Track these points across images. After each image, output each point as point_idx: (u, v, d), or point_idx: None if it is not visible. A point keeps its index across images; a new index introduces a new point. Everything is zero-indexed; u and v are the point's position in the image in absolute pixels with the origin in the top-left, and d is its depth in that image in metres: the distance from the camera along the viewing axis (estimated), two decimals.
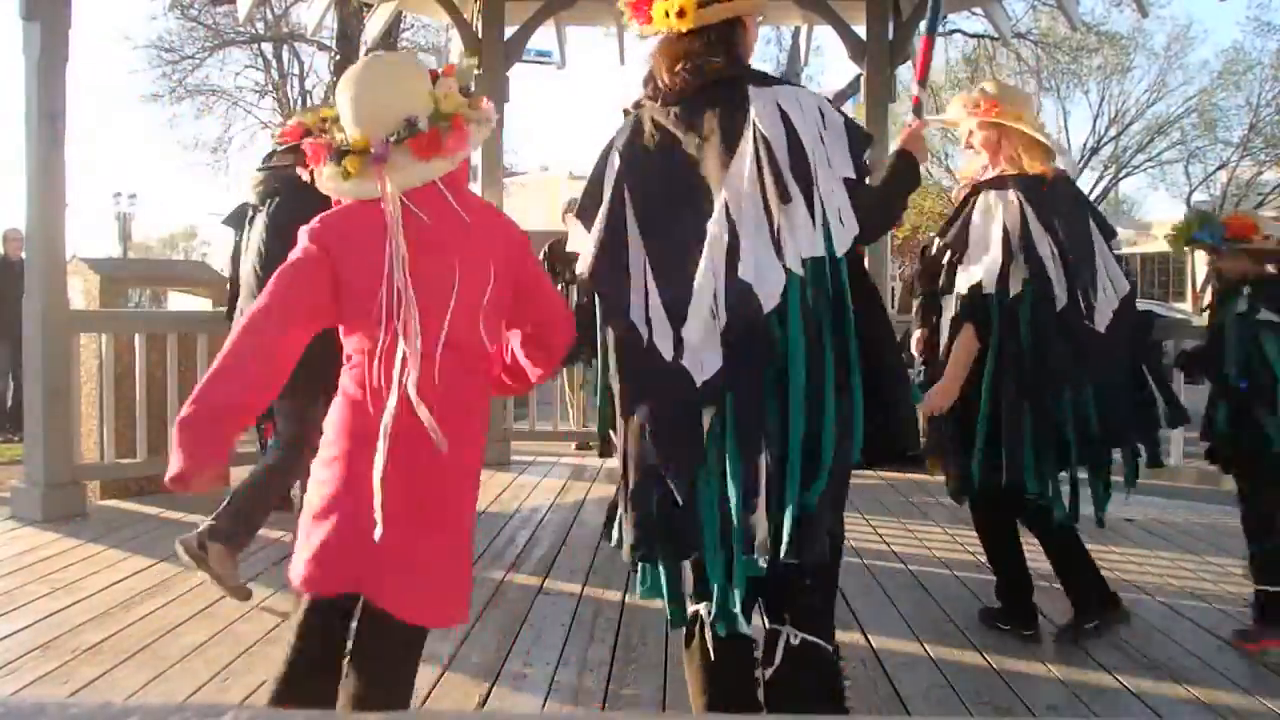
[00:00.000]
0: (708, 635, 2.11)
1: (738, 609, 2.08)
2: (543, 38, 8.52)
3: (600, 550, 4.57)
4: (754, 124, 2.03)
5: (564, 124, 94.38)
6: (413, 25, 20.77)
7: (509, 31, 7.27)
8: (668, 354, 2.03)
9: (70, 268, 5.70)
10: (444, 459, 1.98)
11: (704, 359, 2.00)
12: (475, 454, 2.20)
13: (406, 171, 2.02)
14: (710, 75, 2.09)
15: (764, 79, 2.16)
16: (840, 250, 2.04)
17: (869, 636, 3.46)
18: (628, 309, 2.09)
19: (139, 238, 47.60)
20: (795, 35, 3.77)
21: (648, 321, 2.05)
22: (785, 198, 1.99)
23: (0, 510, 5.23)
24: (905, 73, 10.69)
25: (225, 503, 3.71)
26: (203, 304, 6.47)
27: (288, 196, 3.59)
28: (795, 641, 2.06)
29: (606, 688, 3.03)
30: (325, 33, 18.06)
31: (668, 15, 2.04)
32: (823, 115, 2.08)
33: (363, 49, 16.27)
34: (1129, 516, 5.21)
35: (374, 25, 8.82)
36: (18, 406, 8.56)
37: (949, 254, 3.32)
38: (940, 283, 3.38)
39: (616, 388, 2.15)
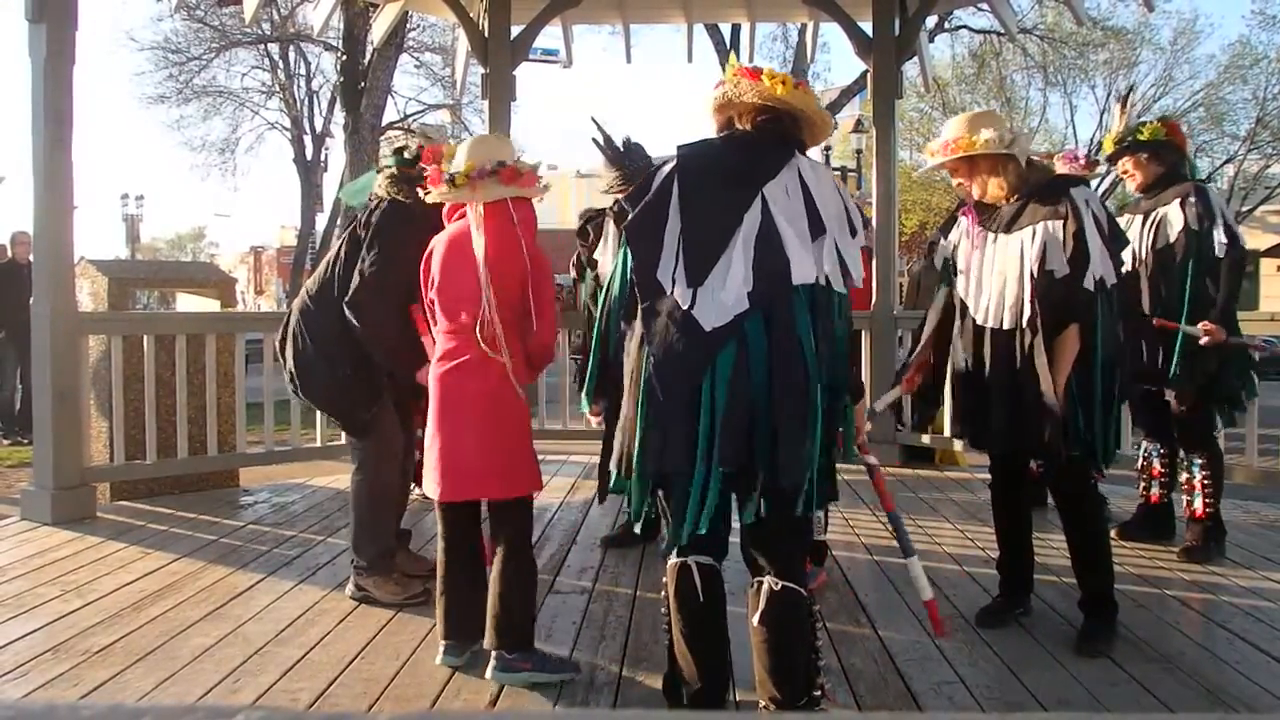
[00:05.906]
0: (695, 575, 2.50)
1: (704, 521, 2.37)
2: (549, 37, 8.53)
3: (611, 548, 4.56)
4: (798, 169, 2.50)
5: (570, 122, 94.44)
6: (419, 25, 20.79)
7: (515, 30, 7.27)
8: (685, 305, 2.39)
9: (78, 270, 5.71)
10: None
11: (714, 313, 2.36)
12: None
13: (490, 190, 3.08)
14: (778, 131, 2.55)
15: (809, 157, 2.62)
16: (836, 284, 2.45)
17: (879, 632, 3.46)
18: (657, 264, 2.45)
19: (147, 239, 47.88)
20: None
21: (673, 279, 2.42)
22: (816, 231, 2.44)
23: (10, 513, 5.26)
24: (911, 69, 10.69)
25: (351, 538, 3.92)
26: (211, 305, 6.47)
27: (395, 214, 3.83)
28: (778, 588, 2.43)
29: (618, 686, 3.03)
30: (331, 33, 18.09)
31: (773, 80, 2.52)
32: (842, 195, 2.56)
33: (369, 48, 16.32)
34: None
35: (380, 25, 8.82)
36: (27, 409, 8.60)
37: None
38: None
39: (633, 332, 2.49)
